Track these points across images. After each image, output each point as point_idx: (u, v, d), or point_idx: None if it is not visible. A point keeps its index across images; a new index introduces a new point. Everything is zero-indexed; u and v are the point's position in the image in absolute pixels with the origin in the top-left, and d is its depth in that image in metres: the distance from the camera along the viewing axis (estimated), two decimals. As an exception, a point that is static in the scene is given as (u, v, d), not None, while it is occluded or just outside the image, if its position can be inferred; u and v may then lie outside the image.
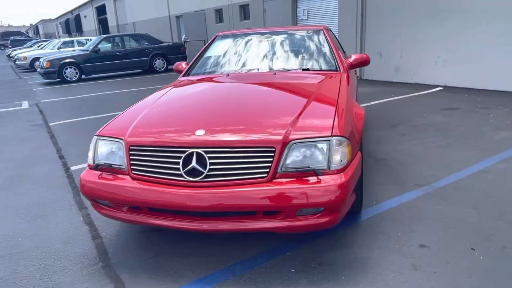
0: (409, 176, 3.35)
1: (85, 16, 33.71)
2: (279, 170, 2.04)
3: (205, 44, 9.31)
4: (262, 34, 3.87)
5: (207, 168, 2.04)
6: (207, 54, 3.87)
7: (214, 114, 2.39)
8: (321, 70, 3.36)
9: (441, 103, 6.14)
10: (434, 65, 7.69)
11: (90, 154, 2.38)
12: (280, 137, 2.07)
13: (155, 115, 2.48)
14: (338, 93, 2.66)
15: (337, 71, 3.32)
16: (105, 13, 28.61)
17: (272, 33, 3.84)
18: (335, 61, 3.43)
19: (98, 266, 2.29)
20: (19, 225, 2.86)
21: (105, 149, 2.33)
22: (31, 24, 75.33)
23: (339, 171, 2.06)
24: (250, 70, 3.44)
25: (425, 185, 3.15)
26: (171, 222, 2.12)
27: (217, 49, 3.87)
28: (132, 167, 2.20)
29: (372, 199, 2.94)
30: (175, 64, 3.97)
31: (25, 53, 17.48)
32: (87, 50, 12.29)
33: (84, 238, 2.63)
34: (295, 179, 2.04)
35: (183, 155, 2.09)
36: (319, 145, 2.08)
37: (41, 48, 18.45)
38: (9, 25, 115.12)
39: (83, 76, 12.33)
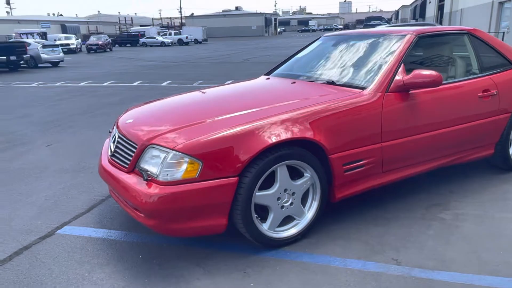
0: (418, 250, 2.38)
1: (429, 2, 33.24)
2: (136, 165, 2.34)
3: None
4: (353, 37, 3.45)
5: (113, 149, 2.62)
6: (298, 55, 3.88)
7: (168, 110, 2.80)
8: (344, 85, 2.83)
9: None
10: None
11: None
12: (144, 139, 2.34)
13: (151, 104, 3.14)
14: (274, 116, 2.35)
15: (362, 90, 2.70)
16: (446, -2, 27.20)
17: (362, 37, 3.36)
18: (372, 77, 2.76)
19: (102, 197, 3.34)
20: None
21: None
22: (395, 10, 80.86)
23: (167, 184, 2.13)
24: (290, 75, 3.35)
25: (408, 265, 2.21)
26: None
27: (304, 51, 3.81)
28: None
29: (312, 246, 2.44)
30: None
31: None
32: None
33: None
34: (145, 177, 2.29)
35: (115, 135, 2.75)
36: (161, 155, 2.21)
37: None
38: (380, 10, 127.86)
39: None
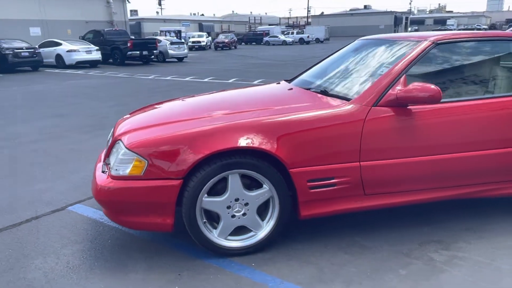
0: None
1: None
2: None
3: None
4: (376, 43, 3.12)
5: (108, 141, 2.89)
6: (326, 59, 3.64)
7: (159, 110, 2.96)
8: (333, 95, 2.61)
9: None
10: None
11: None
12: (116, 134, 2.53)
13: (163, 104, 3.32)
14: (229, 122, 2.30)
15: (347, 101, 2.45)
16: None
17: (383, 43, 3.01)
18: (362, 88, 2.48)
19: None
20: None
21: None
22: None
23: (116, 178, 2.28)
24: (300, 81, 3.19)
25: (341, 302, 1.95)
26: None
27: (332, 56, 3.56)
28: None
29: (262, 262, 2.32)
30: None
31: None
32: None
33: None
34: (115, 170, 2.49)
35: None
36: (119, 151, 2.36)
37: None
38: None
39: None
